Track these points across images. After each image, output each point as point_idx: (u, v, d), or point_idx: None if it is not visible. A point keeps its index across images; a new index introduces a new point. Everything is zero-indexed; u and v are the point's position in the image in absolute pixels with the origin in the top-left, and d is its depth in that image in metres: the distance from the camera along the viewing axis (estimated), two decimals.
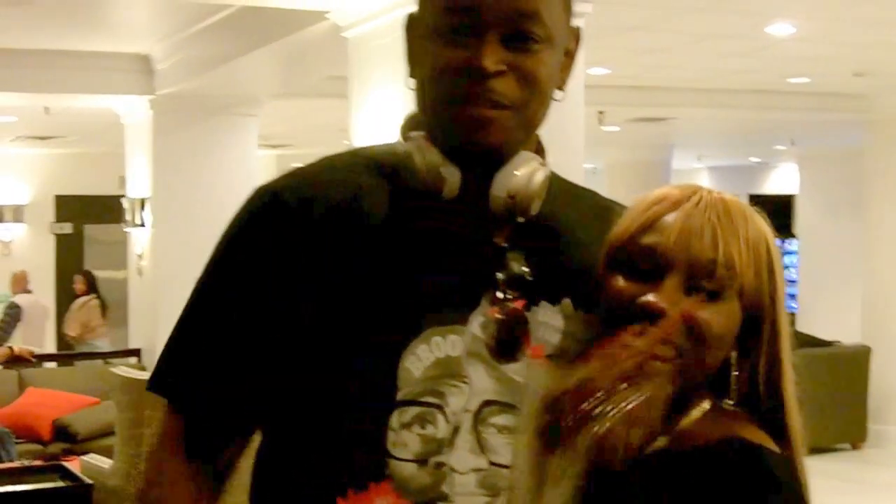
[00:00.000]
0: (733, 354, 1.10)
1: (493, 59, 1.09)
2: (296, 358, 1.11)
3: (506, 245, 1.15)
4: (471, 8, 1.10)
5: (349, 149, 1.24)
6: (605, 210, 1.22)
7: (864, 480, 7.29)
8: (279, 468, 1.14)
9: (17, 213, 10.83)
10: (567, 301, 1.16)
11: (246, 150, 7.04)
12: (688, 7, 5.20)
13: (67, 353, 8.59)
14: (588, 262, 1.15)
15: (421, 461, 1.09)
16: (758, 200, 17.03)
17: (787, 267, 14.56)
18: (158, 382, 1.17)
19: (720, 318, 1.06)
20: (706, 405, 1.09)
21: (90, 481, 4.71)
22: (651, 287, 1.06)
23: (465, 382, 1.11)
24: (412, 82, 1.17)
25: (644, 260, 1.07)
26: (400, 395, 1.09)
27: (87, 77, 6.73)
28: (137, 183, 7.29)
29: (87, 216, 10.95)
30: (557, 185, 1.22)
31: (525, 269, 1.14)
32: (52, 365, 7.94)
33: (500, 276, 1.13)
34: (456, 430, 1.10)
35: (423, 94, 1.16)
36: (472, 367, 1.11)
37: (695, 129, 10.01)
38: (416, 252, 1.13)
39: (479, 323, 1.12)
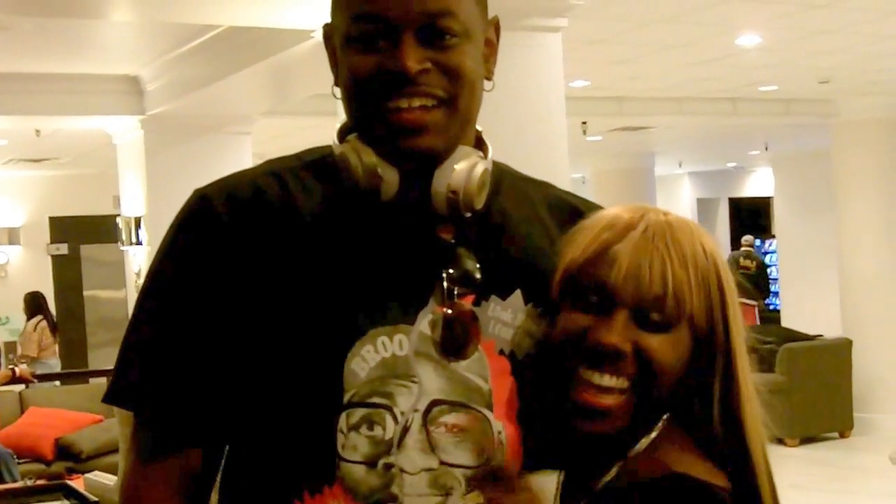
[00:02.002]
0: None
1: (414, 58, 1.06)
2: (241, 361, 1.08)
3: (452, 241, 1.12)
4: (378, 14, 1.06)
5: (293, 153, 1.20)
6: (558, 201, 1.21)
7: (853, 466, 7.44)
8: (240, 472, 1.13)
9: (13, 236, 10.75)
10: (517, 295, 1.14)
11: (240, 166, 6.98)
12: (657, 19, 5.27)
13: (71, 372, 8.58)
14: (539, 255, 1.14)
15: (370, 463, 1.06)
16: (737, 203, 17.15)
17: (768, 266, 14.75)
18: (114, 394, 1.12)
19: (670, 348, 1.06)
20: (654, 433, 1.09)
21: (95, 499, 4.59)
22: (602, 320, 1.06)
23: (414, 382, 1.08)
24: (338, 92, 1.14)
25: (594, 293, 1.07)
26: (347, 398, 1.07)
27: (77, 99, 6.68)
28: (132, 202, 7.23)
29: (82, 237, 10.84)
30: (505, 179, 1.20)
31: (476, 265, 1.12)
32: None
33: (448, 272, 1.11)
34: (405, 431, 1.07)
35: (349, 103, 1.12)
36: (421, 367, 1.09)
37: (673, 136, 10.06)
38: (356, 253, 1.10)
39: (428, 321, 1.09)
